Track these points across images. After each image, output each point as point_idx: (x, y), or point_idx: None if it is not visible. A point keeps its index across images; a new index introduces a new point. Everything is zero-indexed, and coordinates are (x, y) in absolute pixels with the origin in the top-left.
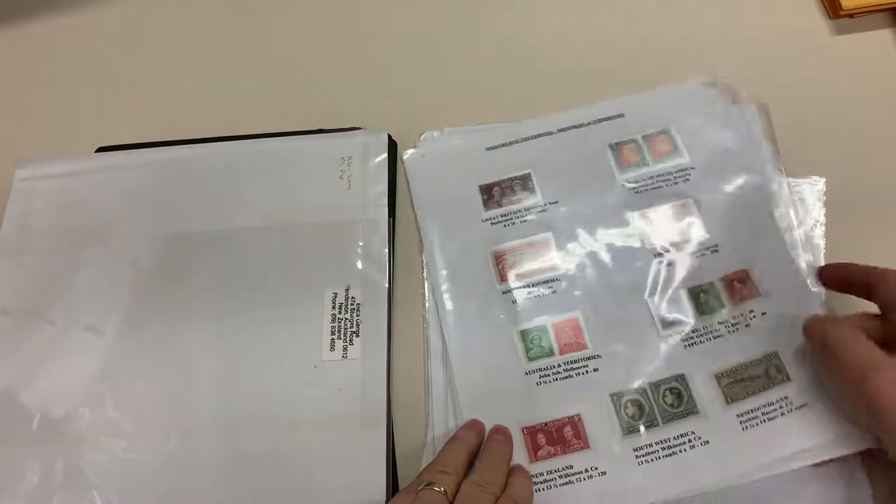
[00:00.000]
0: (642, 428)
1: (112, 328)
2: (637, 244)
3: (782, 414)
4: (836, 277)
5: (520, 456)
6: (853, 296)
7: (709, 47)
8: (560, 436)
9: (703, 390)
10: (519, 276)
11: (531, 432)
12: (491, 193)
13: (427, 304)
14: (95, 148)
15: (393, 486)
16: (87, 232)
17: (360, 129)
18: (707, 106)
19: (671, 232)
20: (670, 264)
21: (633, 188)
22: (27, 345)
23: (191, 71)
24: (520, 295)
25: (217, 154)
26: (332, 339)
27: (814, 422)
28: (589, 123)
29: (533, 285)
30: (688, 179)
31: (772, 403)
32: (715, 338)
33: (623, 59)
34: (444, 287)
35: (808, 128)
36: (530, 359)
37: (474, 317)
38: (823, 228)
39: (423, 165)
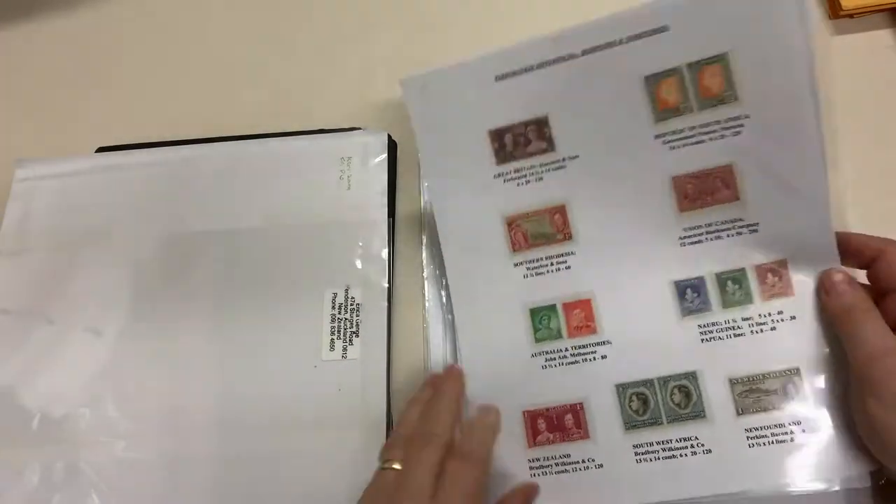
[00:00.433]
0: (645, 425)
1: (112, 328)
2: (666, 217)
3: (791, 440)
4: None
5: (518, 440)
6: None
7: None
8: (560, 423)
9: (715, 394)
10: (532, 247)
11: (532, 416)
12: (502, 142)
13: (427, 304)
14: (95, 148)
15: None
16: (87, 232)
17: (360, 129)
18: (783, 27)
19: (706, 200)
20: (699, 241)
21: (669, 143)
22: (27, 345)
23: (191, 71)
24: (531, 269)
25: (217, 154)
26: (332, 340)
27: (822, 453)
28: (620, 41)
29: (546, 258)
30: (738, 132)
31: (783, 426)
32: (736, 336)
33: None
34: (450, 254)
35: None
36: (537, 340)
37: (482, 289)
38: None
39: (426, 102)
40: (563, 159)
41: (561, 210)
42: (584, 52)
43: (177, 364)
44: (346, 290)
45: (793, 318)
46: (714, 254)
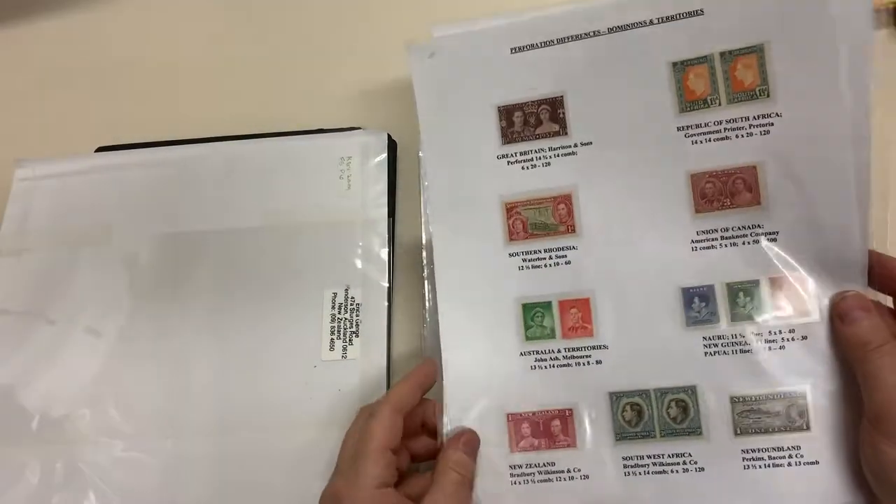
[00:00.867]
0: (637, 437)
1: (111, 328)
2: (680, 218)
3: (788, 465)
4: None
5: (500, 444)
6: None
7: None
8: (547, 429)
9: (713, 411)
10: (531, 237)
11: (515, 420)
12: (511, 120)
13: (427, 304)
14: (95, 148)
15: None
16: (86, 232)
17: (360, 129)
18: (829, 21)
19: (724, 203)
20: (712, 247)
21: (691, 136)
22: (27, 345)
23: (191, 71)
24: (528, 260)
25: (217, 154)
26: (332, 339)
27: (818, 484)
28: (650, 22)
29: (545, 251)
30: (767, 132)
31: (781, 449)
32: (742, 351)
33: None
34: (439, 235)
35: None
36: (528, 338)
37: (471, 277)
38: None
39: (432, 71)
40: (575, 145)
41: (566, 200)
42: (610, 31)
43: (176, 364)
44: (346, 290)
45: (804, 337)
46: (727, 262)
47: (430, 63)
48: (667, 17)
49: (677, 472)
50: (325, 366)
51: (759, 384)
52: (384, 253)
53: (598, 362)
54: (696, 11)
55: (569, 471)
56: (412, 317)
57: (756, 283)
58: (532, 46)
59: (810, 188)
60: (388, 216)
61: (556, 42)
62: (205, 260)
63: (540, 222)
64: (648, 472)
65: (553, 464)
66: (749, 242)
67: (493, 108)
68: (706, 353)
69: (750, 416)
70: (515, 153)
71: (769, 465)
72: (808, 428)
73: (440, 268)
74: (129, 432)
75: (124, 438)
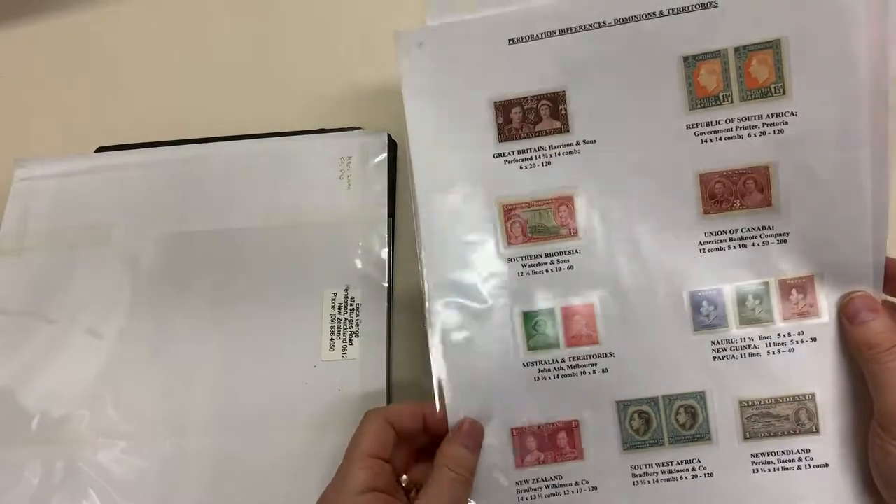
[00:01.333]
0: (645, 445)
1: (111, 328)
2: (687, 219)
3: (798, 468)
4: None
5: (505, 461)
6: None
7: None
8: (552, 442)
9: (722, 416)
10: (530, 241)
11: (520, 434)
12: (508, 116)
13: (427, 304)
14: (95, 148)
15: None
16: (86, 232)
17: (360, 129)
18: (851, 17)
19: (734, 204)
20: (721, 249)
21: (701, 135)
22: (27, 345)
23: (191, 71)
24: (528, 266)
25: (217, 154)
26: (332, 340)
27: (828, 487)
28: (661, 14)
29: (546, 255)
30: (781, 131)
31: (790, 452)
32: (751, 355)
33: None
34: (430, 241)
35: None
36: (530, 348)
37: (468, 286)
38: None
39: (422, 61)
40: (578, 143)
41: (568, 201)
42: (617, 22)
43: (176, 364)
44: (346, 290)
45: (813, 339)
46: (736, 264)
47: (420, 53)
48: (678, 9)
49: (686, 478)
50: (325, 366)
51: (769, 388)
52: (384, 253)
53: (605, 371)
54: (711, 3)
55: (576, 483)
56: (412, 317)
57: (765, 285)
58: (532, 37)
59: (824, 189)
60: (388, 216)
61: (558, 33)
62: (205, 260)
63: (540, 225)
64: (657, 480)
65: (560, 477)
66: (759, 244)
67: (488, 103)
68: (715, 358)
69: (759, 421)
70: (513, 151)
71: (779, 469)
72: (817, 431)
73: (432, 276)
74: (129, 432)
75: (124, 438)
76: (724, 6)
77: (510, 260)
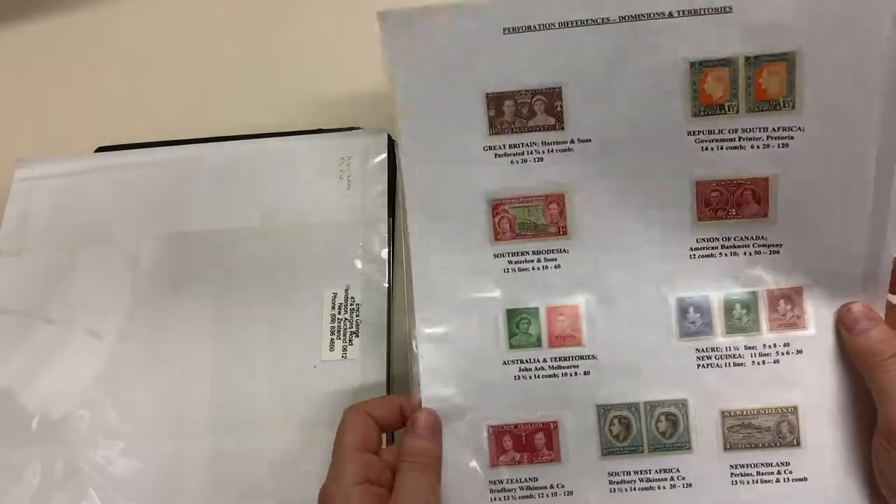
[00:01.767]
0: (624, 452)
1: (111, 328)
2: (680, 225)
3: (776, 481)
4: None
5: (480, 458)
6: None
7: None
8: (529, 442)
9: (703, 426)
10: (518, 238)
11: (497, 432)
12: (500, 109)
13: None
14: (95, 148)
15: None
16: (86, 232)
17: (360, 129)
18: (862, 38)
19: (729, 213)
20: (711, 255)
21: (702, 142)
22: (27, 345)
23: (191, 71)
24: (514, 263)
25: (217, 154)
26: (332, 340)
27: (805, 501)
28: (671, 14)
29: (533, 253)
30: (786, 145)
31: (769, 465)
32: (735, 365)
33: None
34: (417, 233)
35: None
36: (512, 346)
37: (452, 279)
38: None
39: (409, 44)
40: (572, 141)
41: (559, 199)
42: (623, 19)
43: (176, 364)
44: (346, 290)
45: (799, 352)
46: (725, 272)
47: (408, 36)
48: (690, 11)
49: (664, 488)
50: (324, 366)
51: (751, 398)
52: (384, 253)
53: (587, 373)
54: (725, 8)
55: (552, 486)
56: (412, 317)
57: (753, 295)
58: (529, 28)
59: (822, 205)
60: (388, 216)
61: (557, 26)
62: (205, 260)
63: (529, 222)
64: (635, 489)
65: (535, 479)
66: (749, 253)
67: (480, 94)
68: (699, 366)
69: (740, 431)
70: (504, 145)
71: (757, 482)
72: (798, 444)
73: (417, 267)
74: (129, 432)
75: (124, 438)
76: (738, 11)
77: (496, 256)
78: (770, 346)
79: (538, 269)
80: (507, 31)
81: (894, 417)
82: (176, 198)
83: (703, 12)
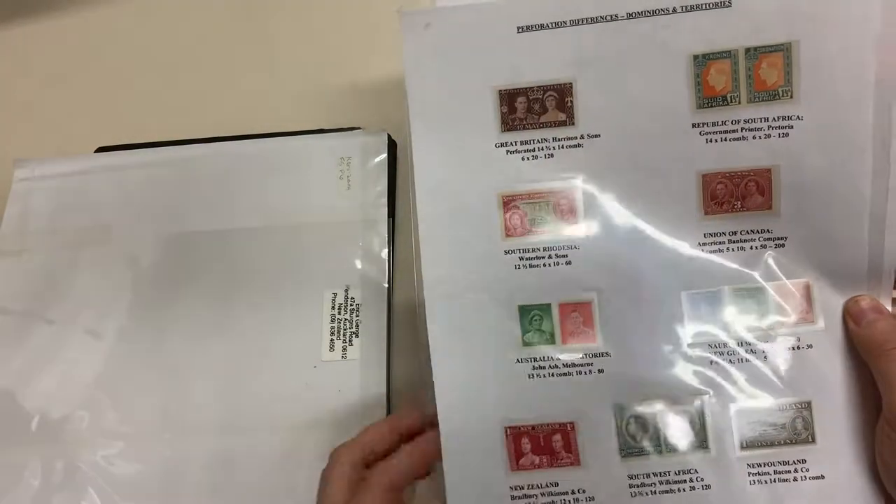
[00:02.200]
0: (643, 453)
1: (111, 328)
2: (688, 219)
3: (794, 479)
4: None
5: (498, 461)
6: None
7: None
8: (548, 445)
9: (719, 424)
10: (530, 234)
11: (515, 434)
12: (513, 105)
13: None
14: (95, 148)
15: None
16: (86, 232)
17: (360, 129)
18: (855, 27)
19: (734, 205)
20: (719, 250)
21: (706, 134)
22: (27, 345)
23: (191, 71)
24: (525, 259)
25: (217, 154)
26: (332, 340)
27: (824, 499)
28: (674, 10)
29: (544, 249)
30: (786, 134)
31: (786, 463)
32: (747, 361)
33: None
34: (427, 230)
35: None
36: (525, 344)
37: (463, 276)
38: None
39: (427, 44)
40: (582, 136)
41: (569, 195)
42: (630, 16)
43: (176, 364)
44: (346, 290)
45: (809, 346)
46: (734, 266)
47: (426, 34)
48: (692, 6)
49: (685, 490)
50: (324, 366)
51: (764, 395)
52: (384, 253)
53: (601, 371)
54: (724, 3)
55: (573, 492)
56: (412, 317)
57: (762, 289)
58: (542, 27)
59: (824, 195)
60: (388, 216)
61: (568, 24)
62: (205, 260)
63: (540, 218)
64: (656, 493)
65: (556, 484)
66: (756, 248)
67: (493, 90)
68: (711, 362)
69: (756, 429)
70: (516, 142)
71: (775, 481)
72: (813, 440)
73: (427, 265)
74: (128, 432)
75: (124, 439)
76: (737, 6)
77: (507, 252)
78: (781, 342)
79: (549, 265)
80: (520, 30)
81: None
82: (176, 198)
83: (704, 7)
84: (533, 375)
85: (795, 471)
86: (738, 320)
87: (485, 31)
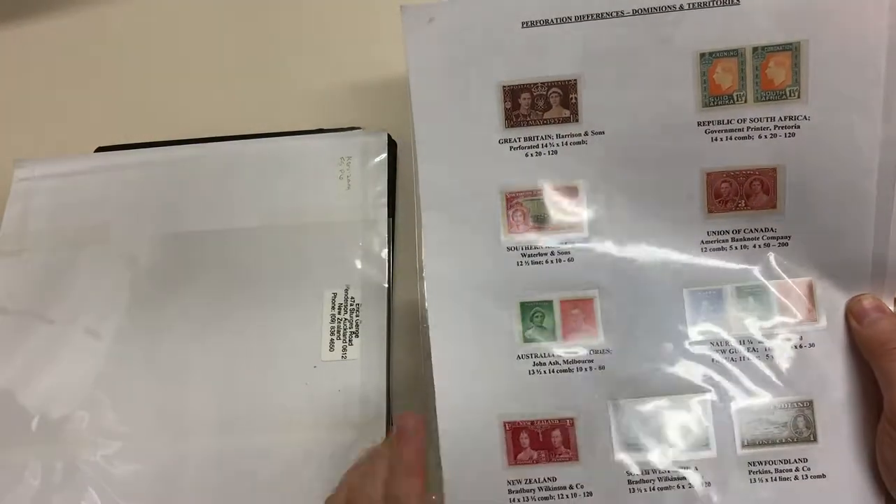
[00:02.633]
0: (643, 449)
1: (111, 328)
2: (691, 217)
3: (795, 478)
4: None
5: (496, 455)
6: None
7: None
8: (547, 440)
9: (719, 421)
10: (532, 230)
11: (514, 429)
12: (517, 102)
13: (427, 305)
14: (95, 148)
15: None
16: (86, 232)
17: (360, 129)
18: (864, 27)
19: (738, 204)
20: (722, 248)
21: (712, 133)
22: (27, 345)
23: (190, 71)
24: (527, 255)
25: (217, 154)
26: (332, 340)
27: (825, 499)
28: (681, 7)
29: (547, 246)
30: (793, 134)
31: (787, 462)
32: (749, 359)
33: None
34: (430, 225)
35: None
36: (526, 340)
37: (464, 271)
38: None
39: (430, 39)
40: (586, 133)
41: (572, 192)
42: (636, 12)
43: (175, 364)
44: (346, 290)
45: (812, 345)
46: (737, 265)
47: (429, 29)
48: (699, 4)
49: (684, 487)
50: (324, 366)
51: (766, 393)
52: (384, 253)
53: (601, 368)
54: (732, 1)
55: (571, 487)
56: (412, 317)
57: (765, 288)
58: (546, 22)
59: (829, 195)
60: (388, 216)
61: (573, 20)
62: (205, 260)
63: (543, 214)
64: (654, 489)
65: (554, 479)
66: (759, 246)
67: (497, 86)
68: (713, 360)
69: (757, 427)
70: (519, 138)
71: (776, 479)
72: (814, 439)
73: (430, 260)
74: (128, 432)
75: (124, 439)
76: (745, 4)
77: (510, 248)
78: (783, 340)
79: (552, 262)
80: (525, 25)
81: None
82: (176, 198)
83: (712, 4)
84: (533, 371)
85: (796, 469)
86: (740, 318)
87: (489, 25)
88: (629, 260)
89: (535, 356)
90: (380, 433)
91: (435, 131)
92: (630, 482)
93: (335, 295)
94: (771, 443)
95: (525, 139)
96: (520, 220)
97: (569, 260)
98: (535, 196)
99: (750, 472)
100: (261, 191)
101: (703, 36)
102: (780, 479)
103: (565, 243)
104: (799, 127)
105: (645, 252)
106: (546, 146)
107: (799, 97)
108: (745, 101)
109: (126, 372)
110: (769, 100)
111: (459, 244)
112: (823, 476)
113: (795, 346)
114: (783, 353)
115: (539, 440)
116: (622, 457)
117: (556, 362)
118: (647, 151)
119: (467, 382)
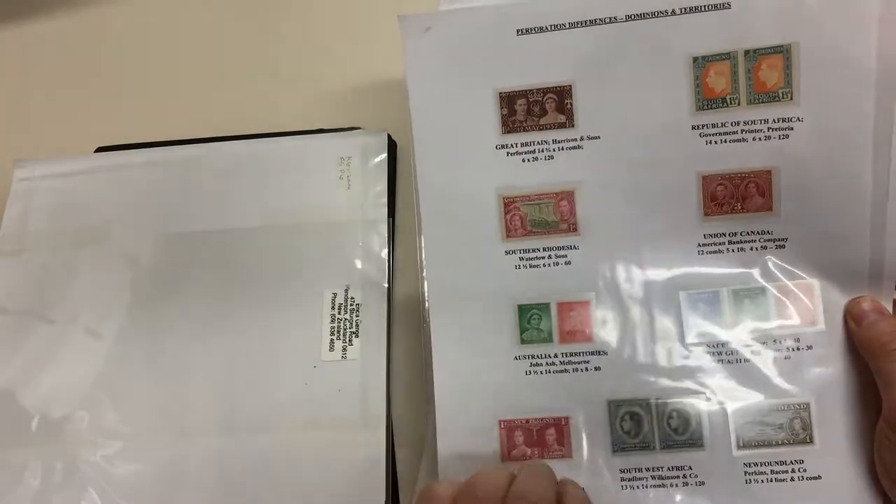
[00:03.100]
0: (636, 448)
1: (111, 328)
2: (688, 220)
3: (791, 479)
4: None
5: (490, 453)
6: None
7: None
8: (541, 438)
9: (715, 422)
10: (529, 235)
11: (508, 427)
12: (513, 108)
13: (427, 305)
14: (95, 148)
15: (393, 486)
16: (86, 232)
17: (360, 129)
18: (855, 29)
19: (734, 207)
20: (719, 251)
21: (706, 136)
22: (26, 345)
23: (191, 71)
24: (525, 259)
25: (217, 154)
26: (332, 340)
27: (820, 501)
28: (673, 12)
29: (544, 250)
30: (786, 136)
31: (783, 463)
32: (746, 361)
33: None
34: (429, 230)
35: None
36: (523, 342)
37: (464, 275)
38: None
39: (428, 47)
40: (582, 138)
41: (569, 196)
42: (629, 18)
43: (176, 364)
44: (346, 290)
45: (809, 347)
46: (734, 268)
47: (426, 38)
48: (691, 8)
49: (677, 486)
50: (324, 366)
51: (763, 395)
52: (384, 253)
53: (597, 369)
54: (724, 4)
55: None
56: (412, 317)
57: (762, 290)
58: (541, 29)
59: (824, 197)
60: (388, 216)
61: (567, 26)
62: (205, 260)
63: (540, 219)
64: (647, 486)
65: None
66: (756, 249)
67: (493, 93)
68: (710, 362)
69: (753, 428)
70: (516, 144)
71: (771, 480)
72: (811, 441)
73: (430, 264)
74: (128, 433)
75: (124, 439)
76: (736, 8)
77: (508, 252)
78: (781, 342)
79: (549, 265)
80: (520, 32)
81: None
82: (176, 197)
83: (704, 9)
84: (530, 372)
85: (793, 471)
86: (737, 321)
87: (485, 34)
88: (625, 263)
89: (533, 357)
90: (380, 433)
91: (433, 138)
92: (622, 479)
93: (335, 295)
94: (767, 444)
95: (522, 144)
96: (517, 224)
97: (566, 263)
98: (532, 201)
99: (746, 472)
100: (261, 191)
101: (696, 40)
102: (776, 480)
103: (562, 247)
104: (792, 129)
105: (641, 255)
106: (542, 151)
107: (791, 99)
108: (739, 104)
109: (126, 372)
110: (762, 102)
111: (459, 248)
112: (819, 478)
113: (793, 349)
114: (780, 355)
115: (533, 438)
116: (616, 455)
117: (553, 363)
118: (642, 155)
119: (465, 383)
